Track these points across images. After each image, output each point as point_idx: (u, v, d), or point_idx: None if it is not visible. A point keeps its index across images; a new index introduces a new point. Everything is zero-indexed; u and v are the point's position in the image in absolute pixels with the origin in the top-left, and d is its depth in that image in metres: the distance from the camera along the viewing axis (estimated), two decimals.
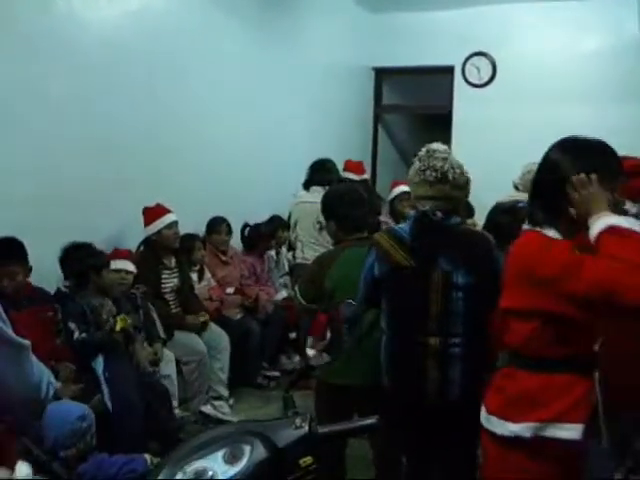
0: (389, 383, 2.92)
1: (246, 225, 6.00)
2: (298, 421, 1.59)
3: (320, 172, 5.62)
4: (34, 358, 1.84)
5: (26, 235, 3.88)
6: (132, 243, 4.89)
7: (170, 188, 5.14)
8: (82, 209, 4.55)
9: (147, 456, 2.91)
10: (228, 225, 5.68)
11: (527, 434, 2.14)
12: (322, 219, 5.43)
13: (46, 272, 4.12)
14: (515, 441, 2.16)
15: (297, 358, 5.85)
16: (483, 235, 2.94)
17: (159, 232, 4.83)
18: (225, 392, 4.99)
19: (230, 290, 5.57)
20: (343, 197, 3.57)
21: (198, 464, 1.54)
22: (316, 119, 7.16)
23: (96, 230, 4.60)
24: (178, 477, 1.53)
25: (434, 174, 2.79)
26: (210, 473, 1.52)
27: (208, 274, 5.42)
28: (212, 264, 5.55)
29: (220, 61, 5.86)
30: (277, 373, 5.79)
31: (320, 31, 7.30)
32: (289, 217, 5.99)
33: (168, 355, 4.60)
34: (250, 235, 6.00)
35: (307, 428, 1.57)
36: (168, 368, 4.54)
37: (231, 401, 5.04)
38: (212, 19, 5.80)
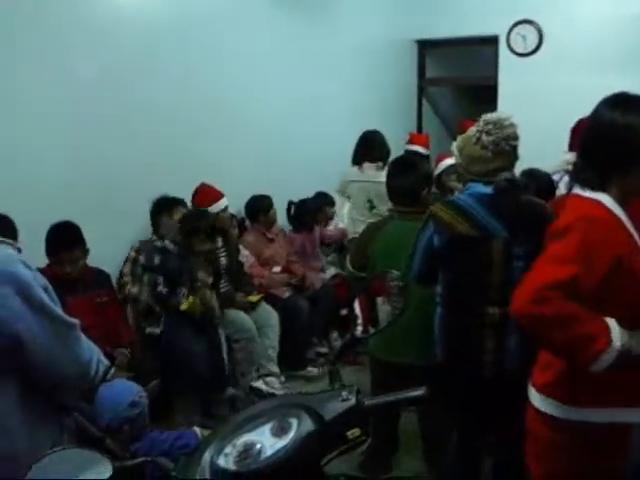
0: (444, 356, 2.91)
1: (291, 203, 6.00)
2: (345, 393, 1.59)
3: (369, 148, 5.57)
4: (84, 337, 1.88)
5: (79, 213, 3.96)
6: None
7: (212, 168, 5.15)
8: (129, 192, 4.62)
9: (197, 429, 2.95)
10: (272, 203, 5.67)
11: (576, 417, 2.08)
12: (373, 197, 5.47)
13: (101, 255, 4.18)
14: (560, 421, 2.11)
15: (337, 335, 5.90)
16: (543, 205, 2.89)
17: (216, 215, 4.86)
18: (276, 369, 5.03)
19: (277, 269, 5.58)
20: (392, 165, 3.58)
21: (246, 437, 1.56)
22: (358, 94, 7.10)
23: (145, 213, 4.70)
24: (227, 450, 1.55)
25: (512, 143, 2.76)
26: (258, 446, 1.53)
27: (245, 252, 5.43)
28: (257, 243, 5.56)
29: (257, 40, 5.83)
30: (327, 350, 5.80)
31: (361, 5, 7.21)
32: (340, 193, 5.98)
33: (219, 334, 4.65)
34: (296, 213, 5.99)
35: (354, 400, 1.57)
36: None
37: (282, 378, 5.07)
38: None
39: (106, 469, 1.57)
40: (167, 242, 4.54)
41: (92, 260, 4.01)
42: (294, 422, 1.55)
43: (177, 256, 4.42)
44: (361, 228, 5.22)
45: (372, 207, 5.50)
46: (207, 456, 1.55)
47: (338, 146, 5.87)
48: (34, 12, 4.14)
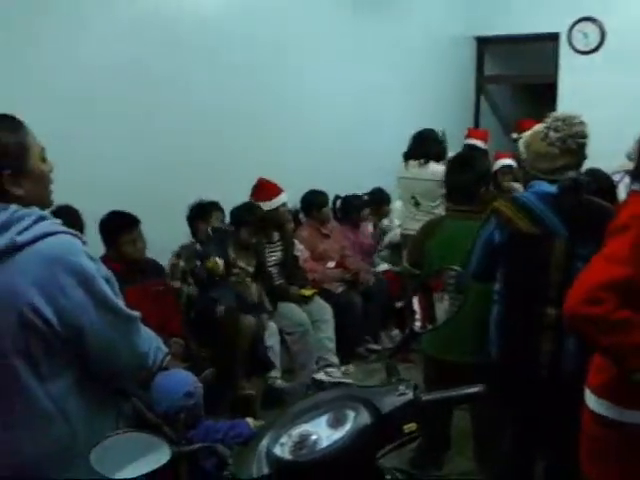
0: (499, 355, 2.88)
1: (337, 197, 6.00)
2: (402, 387, 1.58)
3: (420, 145, 5.55)
4: (144, 328, 1.91)
5: (139, 209, 4.03)
6: None
7: (272, 162, 5.20)
8: (191, 183, 4.71)
9: (249, 420, 2.98)
10: (326, 200, 5.69)
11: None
12: (417, 194, 5.46)
13: (158, 246, 4.27)
14: (614, 422, 2.07)
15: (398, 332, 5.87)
16: (607, 206, 2.84)
17: (276, 209, 4.92)
18: (335, 359, 5.07)
19: (331, 264, 5.60)
20: (450, 162, 3.56)
21: (303, 428, 1.57)
22: (417, 89, 7.08)
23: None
24: (283, 440, 1.56)
25: (579, 141, 2.72)
26: (314, 437, 1.54)
27: (300, 246, 5.45)
28: (312, 238, 5.59)
29: (318, 37, 5.88)
30: (379, 347, 5.80)
31: (419, 1, 7.18)
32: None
33: (272, 327, 4.70)
34: (340, 207, 6.00)
35: (411, 395, 1.57)
36: (271, 339, 4.63)
37: (343, 368, 5.08)
38: None
39: (165, 453, 1.60)
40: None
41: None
42: (351, 414, 1.55)
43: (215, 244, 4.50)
44: (409, 224, 5.28)
45: (417, 204, 5.48)
46: (263, 444, 1.57)
47: (395, 141, 5.85)
48: (108, 10, 4.25)
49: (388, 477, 1.66)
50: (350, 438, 1.52)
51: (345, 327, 5.29)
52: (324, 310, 5.10)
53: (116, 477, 1.58)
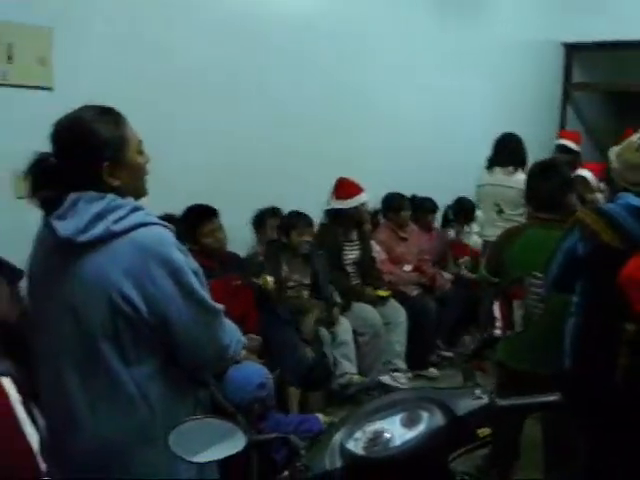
0: (573, 367, 2.83)
1: (413, 197, 5.98)
2: (478, 392, 1.58)
3: (505, 151, 5.49)
4: (227, 321, 1.96)
5: (219, 203, 4.12)
6: (314, 212, 5.02)
7: (351, 163, 5.23)
8: (271, 179, 4.81)
9: (320, 415, 3.01)
10: (407, 202, 5.68)
11: None
12: (501, 201, 5.39)
13: (239, 239, 4.36)
14: None
15: (468, 340, 5.83)
16: None
17: (354, 208, 4.96)
18: (403, 365, 5.06)
19: (407, 268, 5.59)
20: (533, 168, 3.50)
21: (377, 425, 1.58)
22: (500, 96, 6.99)
23: (282, 199, 4.83)
24: (357, 435, 1.58)
25: None
26: (388, 435, 1.55)
27: (377, 247, 5.44)
28: (389, 240, 5.59)
29: (404, 41, 5.90)
30: (450, 353, 5.77)
31: (509, 4, 7.09)
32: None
33: (345, 323, 4.72)
34: (413, 209, 5.97)
35: (487, 399, 1.57)
36: (345, 335, 4.66)
37: (409, 374, 5.08)
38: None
39: (241, 441, 1.64)
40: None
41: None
42: (425, 415, 1.56)
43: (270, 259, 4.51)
44: (489, 231, 5.23)
45: (500, 211, 5.42)
46: (337, 439, 1.59)
47: (478, 147, 5.81)
48: (199, 11, 4.34)
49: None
50: (423, 438, 1.53)
51: (418, 331, 5.27)
52: (398, 313, 5.10)
53: (193, 460, 1.63)
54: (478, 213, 6.05)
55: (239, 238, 4.30)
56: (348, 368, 4.66)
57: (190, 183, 4.27)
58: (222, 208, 4.12)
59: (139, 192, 1.93)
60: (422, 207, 5.93)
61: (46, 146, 3.61)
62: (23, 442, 1.36)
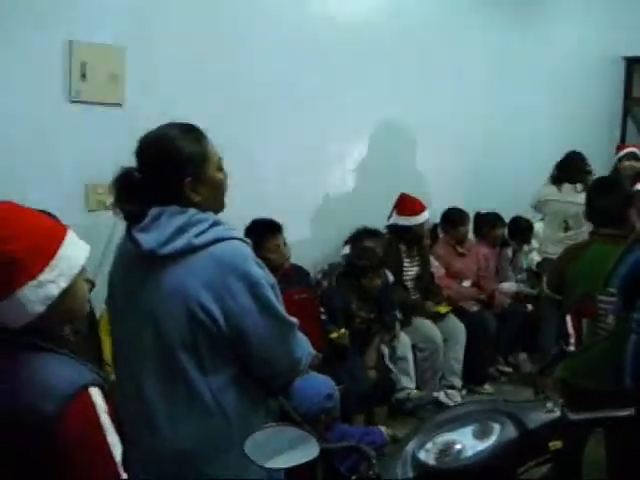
0: (634, 386, 2.80)
1: (478, 214, 5.97)
2: (550, 405, 1.60)
3: (571, 168, 5.45)
4: (300, 335, 2.01)
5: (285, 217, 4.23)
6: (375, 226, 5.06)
7: (412, 177, 5.27)
8: (334, 195, 4.96)
9: (382, 428, 3.03)
10: (464, 219, 5.68)
11: None
12: (570, 218, 5.35)
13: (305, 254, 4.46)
14: None
15: (523, 357, 5.79)
16: None
17: (419, 225, 4.99)
18: (458, 382, 5.04)
19: (466, 283, 5.58)
20: (594, 184, 3.48)
21: (448, 436, 1.61)
22: (559, 111, 6.91)
23: (346, 214, 4.91)
24: (428, 446, 1.61)
25: None
26: (459, 446, 1.58)
27: (435, 263, 5.45)
28: (448, 255, 5.58)
29: (465, 54, 5.90)
30: (509, 369, 5.73)
31: (568, 18, 7.05)
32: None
33: (404, 338, 4.74)
34: (479, 224, 5.97)
35: (559, 412, 1.58)
36: (405, 350, 4.69)
37: (464, 392, 5.07)
38: (458, 11, 5.86)
39: (314, 448, 1.68)
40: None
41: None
42: (496, 427, 1.58)
43: (339, 293, 4.46)
44: (551, 248, 5.20)
45: (567, 228, 5.39)
46: (409, 449, 1.62)
47: (537, 161, 5.79)
48: (261, 26, 4.47)
49: None
50: (494, 450, 1.55)
51: (477, 347, 5.25)
52: (457, 329, 5.09)
53: (267, 466, 1.68)
54: (538, 229, 6.01)
55: (302, 252, 4.37)
56: (406, 383, 4.68)
57: (262, 195, 4.37)
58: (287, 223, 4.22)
59: (218, 207, 2.00)
60: (487, 222, 5.92)
61: (116, 160, 3.75)
62: (108, 452, 1.42)
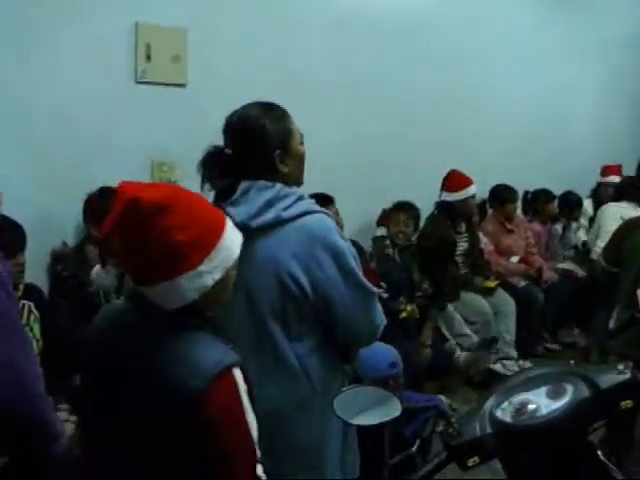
0: None
1: (526, 192, 6.02)
2: (621, 367, 1.69)
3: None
4: (378, 304, 2.12)
5: (338, 192, 4.40)
6: (424, 203, 5.17)
7: (462, 153, 5.32)
8: (386, 172, 4.99)
9: (442, 397, 3.14)
10: (513, 196, 5.73)
11: None
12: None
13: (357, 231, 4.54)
14: None
15: (576, 332, 5.84)
16: None
17: (464, 200, 5.03)
18: (513, 352, 5.11)
19: (514, 259, 5.64)
20: None
21: (523, 396, 1.72)
22: (608, 88, 6.90)
23: (392, 190, 5.00)
24: (504, 405, 1.72)
25: None
26: (534, 405, 1.69)
27: (484, 239, 5.52)
28: (496, 232, 5.65)
29: (512, 34, 5.94)
30: (557, 346, 5.79)
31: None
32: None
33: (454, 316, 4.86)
34: (529, 201, 6.01)
35: (630, 374, 1.68)
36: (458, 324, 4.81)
37: (521, 362, 5.14)
38: None
39: (396, 408, 1.80)
40: (391, 251, 4.81)
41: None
42: (570, 387, 1.69)
43: (401, 267, 4.59)
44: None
45: None
46: (486, 408, 1.74)
47: (586, 140, 5.80)
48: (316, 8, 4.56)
49: (599, 452, 1.77)
50: (568, 409, 1.66)
51: (524, 323, 5.31)
52: (507, 302, 5.16)
53: (355, 422, 1.81)
54: (587, 206, 6.05)
55: (354, 227, 4.49)
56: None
57: (311, 173, 4.46)
58: (338, 199, 4.36)
59: (299, 180, 2.14)
60: (538, 199, 5.98)
61: (180, 139, 3.89)
62: (247, 430, 1.52)
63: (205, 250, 1.48)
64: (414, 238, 4.96)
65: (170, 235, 1.43)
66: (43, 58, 3.68)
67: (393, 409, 1.81)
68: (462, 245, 5.16)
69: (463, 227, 5.20)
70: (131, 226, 1.43)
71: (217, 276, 1.51)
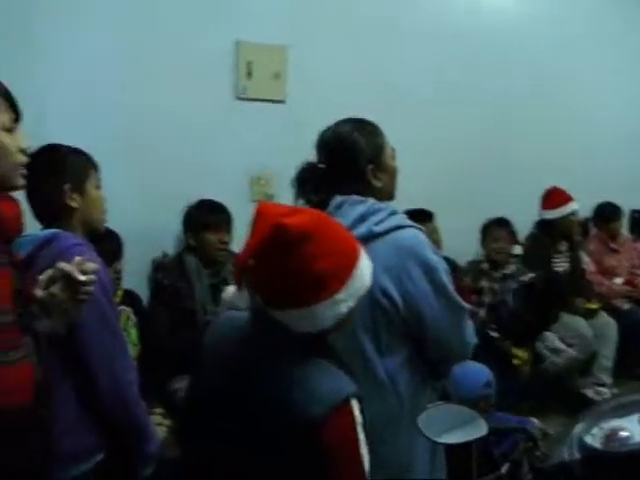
0: None
1: (634, 211, 5.81)
2: None
3: None
4: (470, 321, 2.10)
5: (436, 206, 4.37)
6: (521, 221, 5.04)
7: (559, 171, 5.18)
8: (482, 183, 4.94)
9: (534, 419, 3.05)
10: (618, 214, 5.54)
11: None
12: None
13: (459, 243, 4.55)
14: None
15: None
16: None
17: (564, 217, 4.90)
18: (608, 380, 4.93)
19: (618, 280, 5.45)
20: None
21: (614, 423, 1.68)
22: None
23: (490, 204, 4.90)
24: (594, 431, 1.68)
25: None
26: (625, 433, 1.65)
27: (586, 259, 5.35)
28: (599, 251, 5.47)
29: (602, 37, 5.71)
30: None
31: None
32: None
33: (549, 337, 4.72)
34: (639, 220, 5.80)
35: None
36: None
37: (614, 389, 4.96)
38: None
39: (482, 428, 1.79)
40: (485, 266, 4.73)
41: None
42: None
43: (512, 310, 4.47)
44: None
45: None
46: (576, 432, 1.70)
47: None
48: (412, 21, 4.59)
49: None
50: None
51: (627, 346, 5.12)
52: (609, 326, 4.99)
53: (439, 441, 1.80)
54: None
55: (454, 245, 4.45)
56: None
57: (409, 188, 4.46)
58: (438, 212, 4.37)
59: (392, 195, 2.16)
60: None
61: (278, 154, 3.96)
62: (360, 463, 1.51)
63: (343, 278, 1.48)
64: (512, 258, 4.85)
65: (313, 263, 1.44)
66: (147, 76, 3.86)
67: (478, 429, 1.79)
68: (563, 265, 5.02)
69: (564, 246, 5.06)
70: (276, 253, 1.43)
71: (351, 304, 1.51)
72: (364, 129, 2.09)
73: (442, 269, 2.00)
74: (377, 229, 1.97)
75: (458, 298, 2.03)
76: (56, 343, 1.71)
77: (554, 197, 4.92)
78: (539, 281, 4.56)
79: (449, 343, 2.05)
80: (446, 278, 2.00)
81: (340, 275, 1.48)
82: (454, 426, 1.81)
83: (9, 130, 1.60)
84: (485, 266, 4.72)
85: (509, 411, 3.86)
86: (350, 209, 2.00)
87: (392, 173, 2.14)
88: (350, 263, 1.50)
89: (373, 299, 1.95)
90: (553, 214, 4.92)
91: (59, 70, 3.69)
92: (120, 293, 3.43)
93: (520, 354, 4.25)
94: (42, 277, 1.60)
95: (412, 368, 2.05)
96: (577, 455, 1.66)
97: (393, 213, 2.02)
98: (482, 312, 4.53)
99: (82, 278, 1.55)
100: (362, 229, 1.96)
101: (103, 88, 3.77)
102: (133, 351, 3.22)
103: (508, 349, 4.23)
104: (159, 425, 2.81)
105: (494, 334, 4.26)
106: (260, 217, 1.44)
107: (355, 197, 2.02)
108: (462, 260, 4.79)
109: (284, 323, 1.50)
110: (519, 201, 4.95)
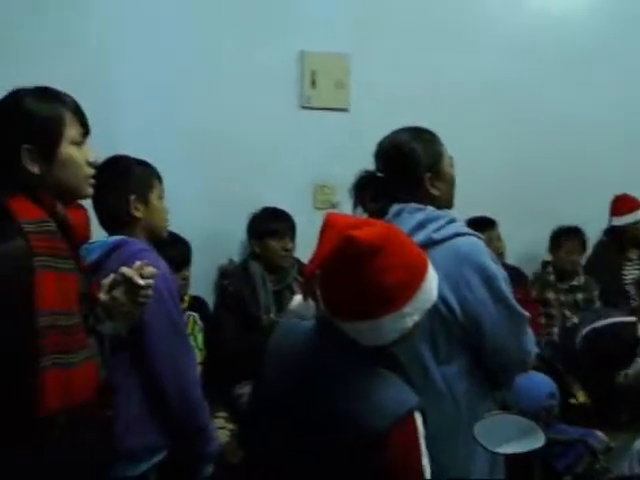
0: None
1: None
2: None
3: None
4: (530, 330, 2.09)
5: (499, 214, 4.36)
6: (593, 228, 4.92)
7: (630, 175, 5.05)
8: (546, 190, 4.82)
9: (599, 432, 2.99)
10: None
11: None
12: None
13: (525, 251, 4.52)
14: None
15: None
16: None
17: (634, 224, 4.79)
18: None
19: None
20: None
21: None
22: None
23: (557, 212, 4.80)
24: None
25: None
26: None
27: None
28: None
29: None
30: None
31: None
32: None
33: None
34: None
35: None
36: None
37: None
38: None
39: (540, 439, 1.76)
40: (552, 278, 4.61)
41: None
42: None
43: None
44: None
45: None
46: (636, 447, 1.68)
47: None
48: (445, 24, 4.57)
49: None
50: None
51: None
52: None
53: (495, 451, 1.78)
54: None
55: (519, 248, 4.40)
56: None
57: (473, 193, 4.42)
58: (504, 219, 4.35)
59: (450, 203, 2.17)
60: None
61: (341, 162, 3.97)
62: (421, 476, 1.52)
63: (411, 292, 1.48)
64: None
65: (382, 277, 1.44)
66: (213, 86, 3.97)
67: (536, 440, 1.77)
68: (633, 273, 4.91)
69: (635, 254, 4.94)
70: (345, 265, 1.43)
71: (417, 318, 1.52)
72: (422, 137, 2.10)
73: (501, 277, 1.99)
74: (436, 236, 1.98)
75: (517, 306, 2.02)
76: (121, 344, 1.77)
77: (624, 203, 4.81)
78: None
79: (508, 351, 2.03)
80: (505, 286, 2.00)
81: (408, 289, 1.48)
82: (511, 436, 1.79)
83: (78, 144, 1.68)
84: (552, 277, 4.63)
85: (579, 423, 3.79)
86: (409, 217, 2.01)
87: (450, 181, 2.15)
88: (418, 277, 1.50)
89: (431, 307, 1.96)
90: (622, 220, 4.81)
91: (133, 86, 3.81)
92: (187, 299, 3.51)
93: (580, 396, 4.09)
94: (105, 281, 1.66)
95: (470, 377, 2.05)
96: (637, 470, 1.63)
97: (452, 221, 2.03)
98: (555, 334, 4.42)
99: (141, 282, 1.61)
100: (421, 236, 1.97)
101: (172, 100, 3.88)
102: (199, 356, 3.30)
103: (570, 386, 4.06)
104: (222, 429, 2.86)
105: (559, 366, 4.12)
106: (329, 228, 1.45)
107: (414, 205, 2.04)
108: (528, 269, 4.73)
109: (350, 334, 1.51)
110: (588, 208, 4.86)
